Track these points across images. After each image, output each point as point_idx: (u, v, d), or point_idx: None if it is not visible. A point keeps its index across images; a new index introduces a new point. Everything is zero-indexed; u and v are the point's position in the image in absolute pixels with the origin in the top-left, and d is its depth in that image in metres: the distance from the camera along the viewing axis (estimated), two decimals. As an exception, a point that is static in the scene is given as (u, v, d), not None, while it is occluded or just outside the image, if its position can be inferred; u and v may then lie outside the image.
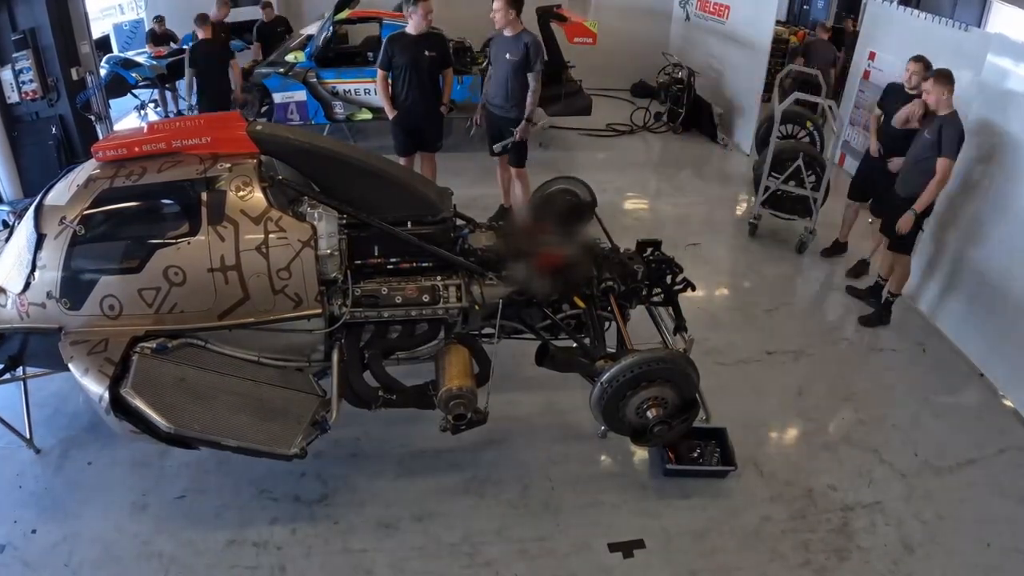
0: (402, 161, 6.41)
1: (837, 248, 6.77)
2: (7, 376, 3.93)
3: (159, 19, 9.88)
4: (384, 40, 6.59)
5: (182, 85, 9.87)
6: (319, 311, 3.54)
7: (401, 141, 6.46)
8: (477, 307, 3.83)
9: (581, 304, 4.18)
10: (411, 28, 6.15)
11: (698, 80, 10.16)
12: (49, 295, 3.38)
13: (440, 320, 3.84)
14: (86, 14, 7.13)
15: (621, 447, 4.23)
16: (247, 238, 3.39)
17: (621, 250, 4.50)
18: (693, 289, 4.63)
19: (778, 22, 10.89)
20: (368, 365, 3.75)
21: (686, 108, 10.16)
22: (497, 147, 6.32)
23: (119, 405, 3.21)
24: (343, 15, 8.57)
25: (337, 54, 8.97)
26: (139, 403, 3.16)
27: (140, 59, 9.20)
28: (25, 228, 3.50)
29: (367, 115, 8.62)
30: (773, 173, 6.67)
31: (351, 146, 4.34)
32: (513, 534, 3.73)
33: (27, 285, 3.43)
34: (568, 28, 8.73)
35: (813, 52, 10.49)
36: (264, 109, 8.60)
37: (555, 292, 3.97)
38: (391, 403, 3.72)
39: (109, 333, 3.36)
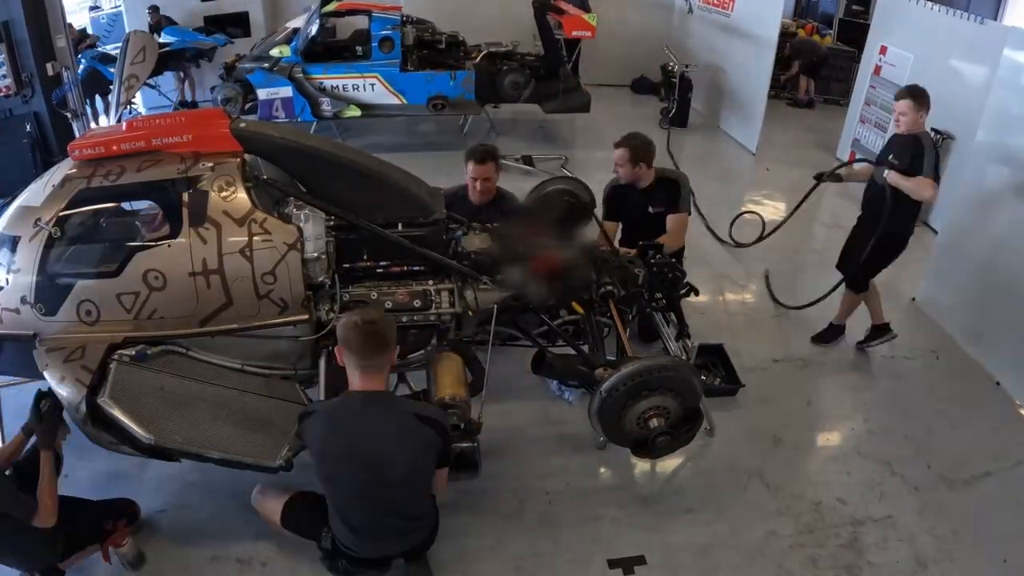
0: None
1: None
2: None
3: (153, 8, 9.90)
4: None
5: (163, 81, 9.97)
6: (305, 317, 3.55)
7: None
8: (471, 313, 3.84)
9: (579, 309, 4.20)
10: None
11: (697, 75, 10.20)
12: (23, 300, 3.38)
13: (432, 326, 3.84)
14: (62, 7, 7.14)
15: (621, 459, 4.25)
16: (230, 240, 3.40)
17: (621, 253, 4.52)
18: (696, 294, 4.65)
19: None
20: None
21: (677, 104, 10.20)
22: None
23: (96, 415, 3.21)
24: (331, 8, 8.60)
25: (325, 48, 8.99)
26: (117, 413, 3.16)
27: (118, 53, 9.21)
28: None
29: (356, 112, 8.64)
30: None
31: (339, 144, 4.35)
32: (509, 550, 3.74)
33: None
34: (566, 21, 8.78)
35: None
36: (248, 106, 8.62)
37: (552, 297, 3.98)
38: (381, 413, 3.73)
39: (86, 340, 3.36)
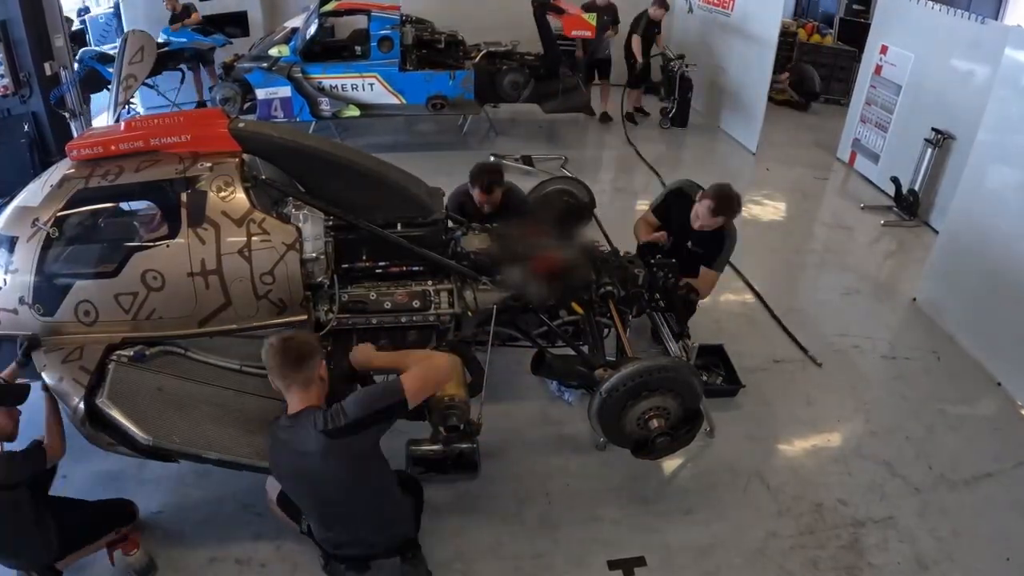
0: None
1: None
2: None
3: None
4: None
5: (161, 81, 9.96)
6: (304, 317, 3.55)
7: None
8: (470, 313, 3.85)
9: (579, 310, 4.20)
10: None
11: (697, 75, 10.18)
12: (21, 300, 3.38)
13: (431, 327, 3.85)
14: (60, 7, 7.16)
15: (621, 459, 4.24)
16: (229, 241, 3.40)
17: (621, 253, 4.53)
18: (696, 294, 4.65)
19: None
20: (355, 374, 3.76)
21: (678, 104, 10.19)
22: None
23: (94, 416, 3.21)
24: (329, 7, 8.60)
25: (324, 48, 8.99)
26: (115, 413, 3.17)
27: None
28: None
29: (355, 112, 8.64)
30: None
31: (338, 144, 4.36)
32: (508, 551, 3.75)
33: None
34: (565, 20, 8.77)
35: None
36: (247, 106, 8.62)
37: (552, 297, 3.99)
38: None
39: (84, 340, 3.37)
